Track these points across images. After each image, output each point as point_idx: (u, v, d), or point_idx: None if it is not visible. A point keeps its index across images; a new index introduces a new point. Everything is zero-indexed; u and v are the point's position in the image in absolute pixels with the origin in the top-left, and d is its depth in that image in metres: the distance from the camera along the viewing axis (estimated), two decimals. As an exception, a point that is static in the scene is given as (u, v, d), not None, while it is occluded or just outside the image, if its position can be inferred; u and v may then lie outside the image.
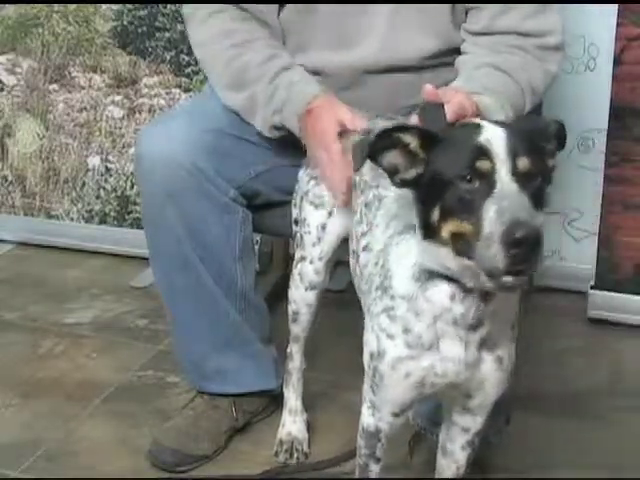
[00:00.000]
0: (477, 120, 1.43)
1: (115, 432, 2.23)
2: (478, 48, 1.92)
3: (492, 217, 1.29)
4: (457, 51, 1.97)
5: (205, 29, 1.99)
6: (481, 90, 1.75)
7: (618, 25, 2.55)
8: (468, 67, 1.90)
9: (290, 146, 2.02)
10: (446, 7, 1.93)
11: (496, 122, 1.41)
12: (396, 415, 1.60)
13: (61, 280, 3.04)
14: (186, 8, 2.04)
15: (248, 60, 1.93)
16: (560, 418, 2.28)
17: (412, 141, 1.40)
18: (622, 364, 2.56)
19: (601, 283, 2.72)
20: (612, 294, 2.71)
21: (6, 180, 3.28)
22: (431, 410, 1.85)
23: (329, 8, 1.94)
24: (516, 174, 1.32)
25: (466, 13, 1.95)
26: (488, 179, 1.32)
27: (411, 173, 1.41)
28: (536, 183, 1.34)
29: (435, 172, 1.38)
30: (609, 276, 2.71)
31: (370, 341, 1.55)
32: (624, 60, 2.56)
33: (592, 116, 2.74)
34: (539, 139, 1.41)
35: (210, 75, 2.03)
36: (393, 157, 1.41)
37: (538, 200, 1.34)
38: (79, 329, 2.72)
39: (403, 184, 1.43)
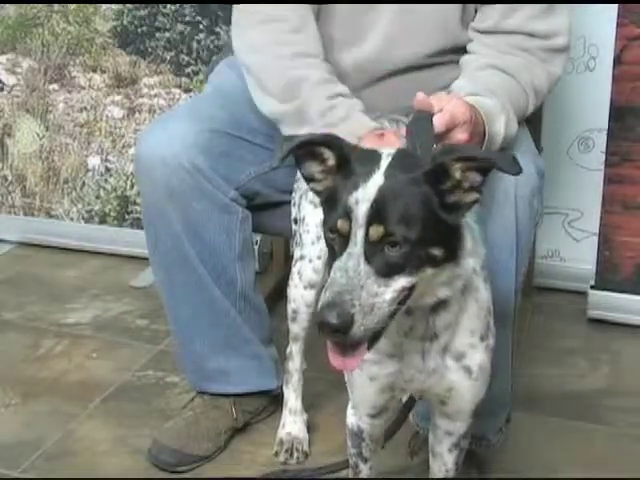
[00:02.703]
0: (383, 159, 1.35)
1: (115, 432, 2.22)
2: (484, 48, 1.92)
3: (328, 281, 1.32)
4: (463, 49, 1.96)
5: (256, 35, 1.93)
6: (483, 92, 1.75)
7: (618, 25, 2.55)
8: (471, 67, 1.90)
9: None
10: (457, 5, 1.93)
11: (390, 169, 1.33)
12: (372, 416, 1.61)
13: (61, 280, 3.05)
14: (236, 11, 1.97)
15: (305, 75, 1.86)
16: (560, 418, 2.28)
17: (330, 157, 1.39)
18: (622, 364, 2.56)
19: (601, 283, 2.72)
20: (612, 294, 2.72)
21: (6, 180, 3.28)
22: (431, 410, 1.85)
23: (342, 7, 1.94)
24: (369, 241, 1.31)
25: (475, 11, 1.95)
26: (345, 238, 1.32)
27: (322, 186, 1.41)
28: (396, 250, 1.31)
29: (326, 201, 1.38)
30: (609, 276, 2.71)
31: None
32: (624, 60, 2.56)
33: (592, 116, 2.74)
34: (432, 188, 1.32)
35: (256, 80, 1.92)
36: (312, 166, 1.41)
37: (395, 266, 1.31)
38: (79, 329, 2.72)
39: (315, 193, 1.44)
